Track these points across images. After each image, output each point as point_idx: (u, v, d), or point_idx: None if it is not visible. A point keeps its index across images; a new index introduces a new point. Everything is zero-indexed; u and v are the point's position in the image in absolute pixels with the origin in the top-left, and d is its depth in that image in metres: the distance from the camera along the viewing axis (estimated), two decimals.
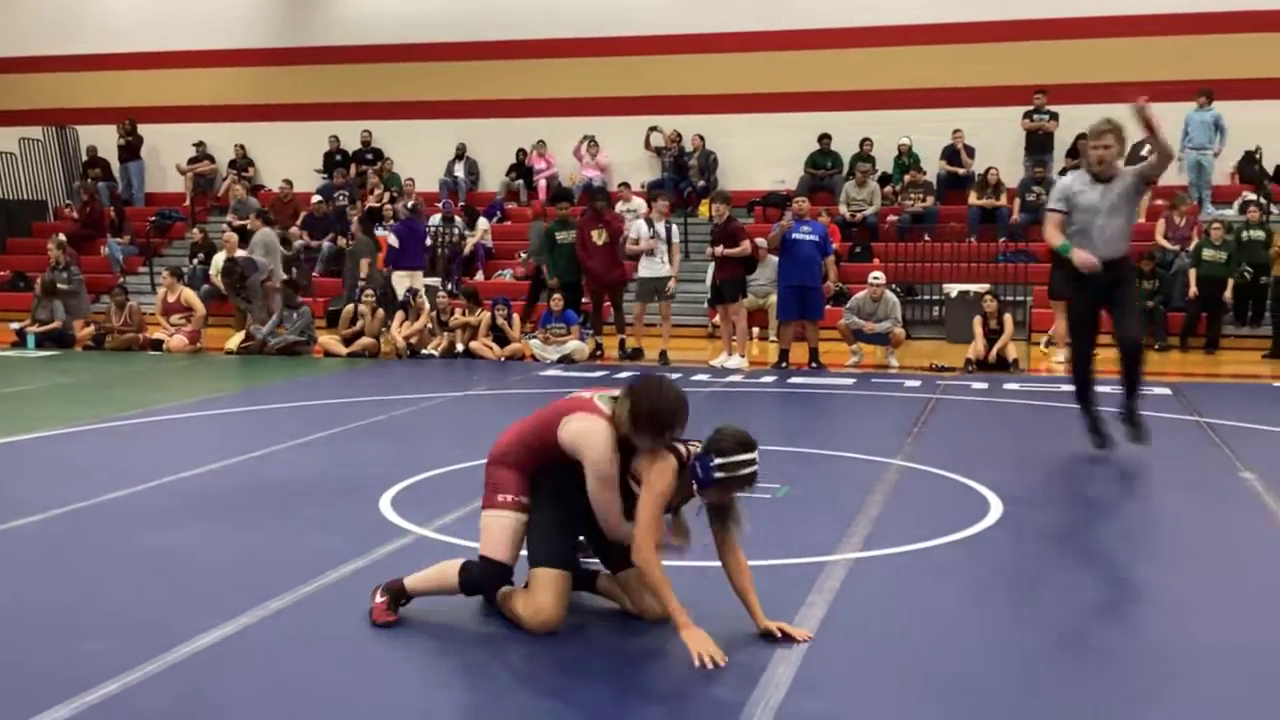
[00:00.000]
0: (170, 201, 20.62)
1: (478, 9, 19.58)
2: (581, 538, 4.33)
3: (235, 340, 14.17)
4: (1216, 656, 4.04)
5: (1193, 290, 13.93)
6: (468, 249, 17.35)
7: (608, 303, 13.56)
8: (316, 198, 18.36)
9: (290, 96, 20.50)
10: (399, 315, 13.70)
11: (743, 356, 12.56)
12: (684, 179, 18.38)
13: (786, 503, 6.12)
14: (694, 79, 18.84)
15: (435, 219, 17.35)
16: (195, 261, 17.20)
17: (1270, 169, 16.83)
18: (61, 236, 16.64)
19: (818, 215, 13.15)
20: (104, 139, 20.99)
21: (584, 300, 14.20)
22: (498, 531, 4.16)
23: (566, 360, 12.81)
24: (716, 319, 15.45)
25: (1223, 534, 5.71)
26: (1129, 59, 17.12)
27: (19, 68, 21.63)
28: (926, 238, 16.77)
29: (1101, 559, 5.22)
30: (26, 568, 5.05)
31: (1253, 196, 15.82)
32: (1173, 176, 16.85)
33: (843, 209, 17.27)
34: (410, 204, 16.79)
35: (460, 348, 13.33)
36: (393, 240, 15.28)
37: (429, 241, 16.11)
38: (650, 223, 13.10)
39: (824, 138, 18.33)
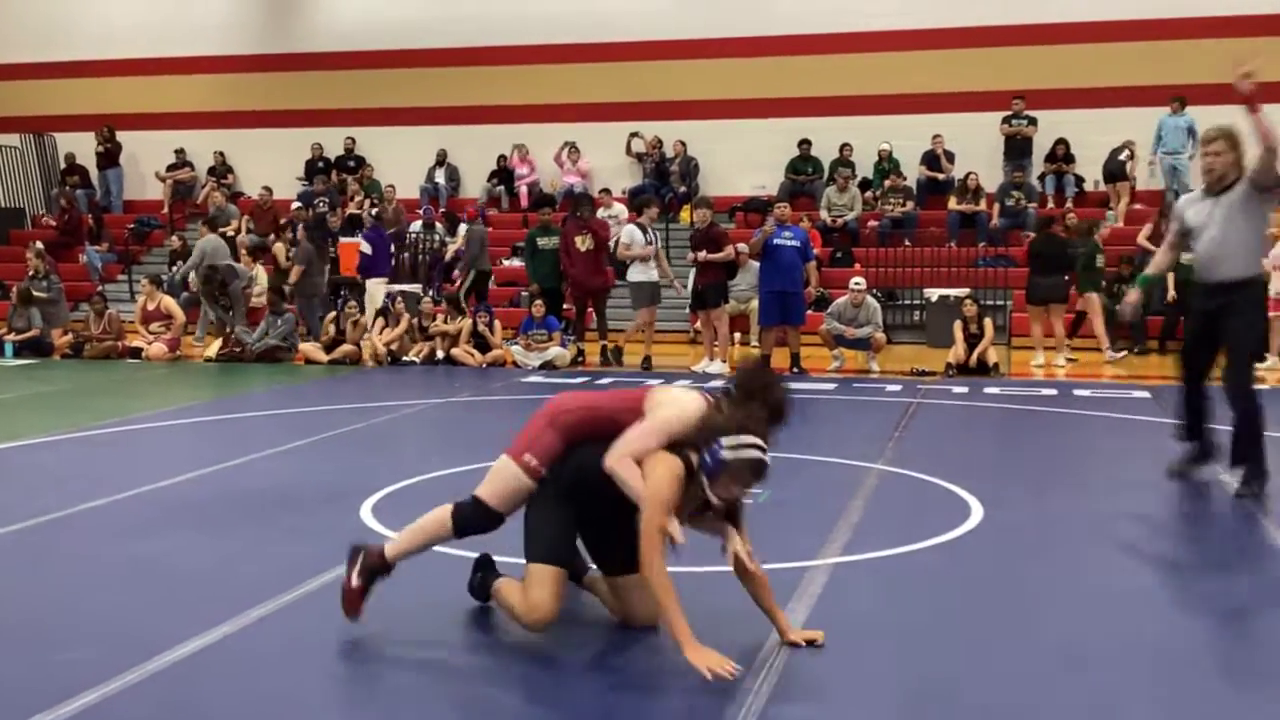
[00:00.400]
0: (149, 209, 20.52)
1: (458, 15, 19.56)
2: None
3: (214, 348, 14.12)
4: (1198, 659, 4.06)
5: (1171, 294, 14.00)
6: (449, 255, 17.29)
7: (590, 309, 13.55)
8: (296, 205, 18.30)
9: (270, 103, 20.43)
10: (379, 322, 13.67)
11: (724, 362, 12.57)
12: (665, 185, 18.40)
13: (768, 508, 6.11)
14: (675, 85, 18.86)
15: (416, 225, 17.31)
16: (174, 269, 17.12)
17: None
18: (39, 245, 16.53)
19: (798, 221, 13.17)
20: (82, 146, 20.89)
21: (565, 307, 14.19)
22: (504, 483, 4.14)
23: (548, 366, 12.80)
24: (698, 324, 15.46)
25: (1203, 536, 5.74)
26: (1106, 64, 17.25)
27: None
28: (907, 243, 16.83)
29: (1082, 563, 5.24)
30: (3, 577, 5.01)
31: None
32: (1148, 182, 17.02)
33: (824, 214, 17.31)
34: (375, 211, 16.74)
35: (441, 354, 13.30)
36: (365, 248, 15.26)
37: (394, 248, 16.08)
38: (644, 228, 13.10)
39: (804, 143, 18.37)
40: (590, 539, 4.25)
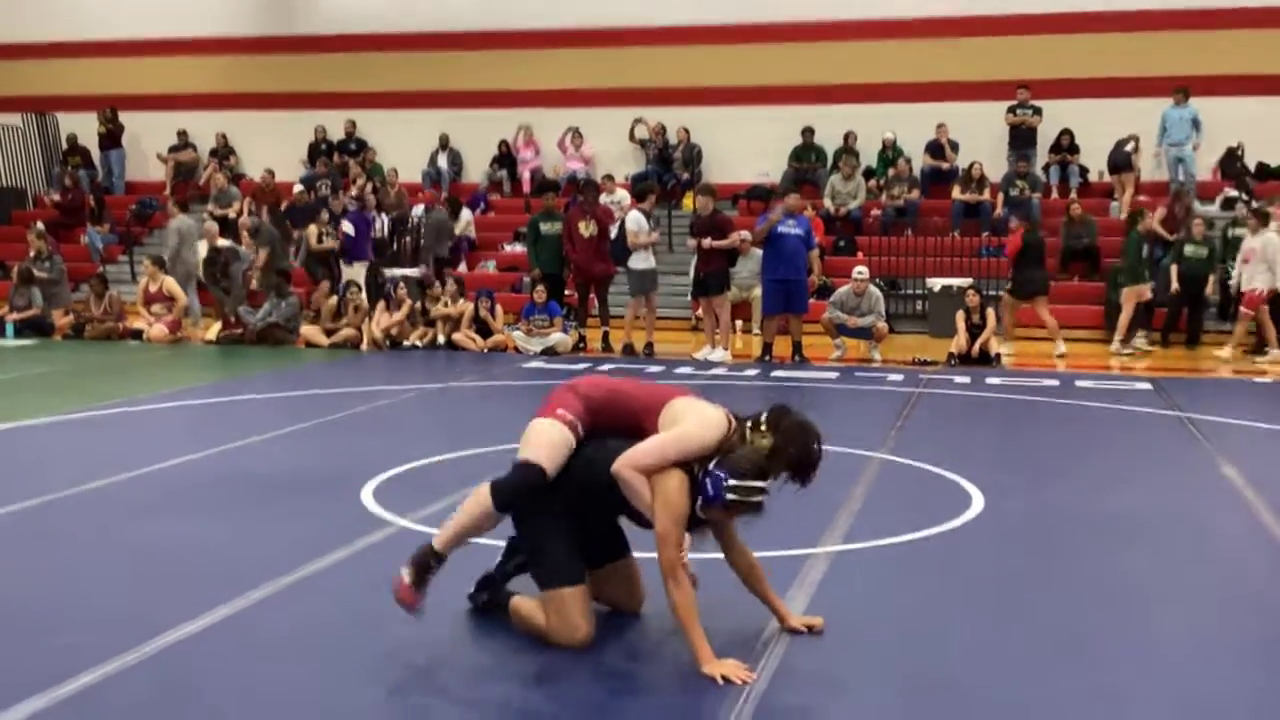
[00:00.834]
0: (151, 190, 20.47)
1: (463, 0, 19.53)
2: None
3: (215, 330, 14.10)
4: (1195, 648, 4.06)
5: (1174, 286, 13.97)
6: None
7: (592, 295, 13.53)
8: (298, 187, 18.26)
9: (272, 86, 20.36)
10: (379, 306, 13.65)
11: (725, 349, 12.55)
12: (668, 171, 18.35)
13: (768, 495, 6.11)
14: (679, 71, 18.79)
15: (418, 210, 17.26)
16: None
17: (1251, 165, 16.90)
18: (40, 225, 16.51)
19: (804, 209, 13.13)
20: (85, 127, 20.81)
21: (567, 292, 14.16)
22: (547, 436, 3.96)
23: (549, 352, 12.78)
24: (699, 311, 15.43)
25: (1204, 528, 5.73)
26: (1112, 55, 17.19)
27: None
28: (910, 232, 16.78)
29: (1082, 553, 5.23)
30: (3, 559, 5.00)
31: (1234, 193, 15.89)
32: (1153, 173, 16.98)
33: (828, 202, 17.26)
34: (355, 194, 16.72)
35: (442, 339, 13.28)
36: (348, 228, 15.28)
37: (394, 232, 16.09)
38: (647, 215, 13.06)
39: (808, 131, 18.31)
40: (577, 534, 4.12)
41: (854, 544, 5.24)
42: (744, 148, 18.52)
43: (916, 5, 17.98)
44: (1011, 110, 17.52)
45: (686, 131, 18.62)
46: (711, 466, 3.79)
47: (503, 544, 4.35)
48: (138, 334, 14.18)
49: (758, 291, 13.70)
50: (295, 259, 15.93)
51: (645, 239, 12.88)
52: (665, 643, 3.98)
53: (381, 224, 16.55)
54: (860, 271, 12.89)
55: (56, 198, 19.83)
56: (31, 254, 15.41)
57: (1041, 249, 13.54)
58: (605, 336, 13.24)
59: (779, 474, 3.88)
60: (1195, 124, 16.00)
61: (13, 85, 21.11)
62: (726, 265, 12.79)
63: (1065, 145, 17.50)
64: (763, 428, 3.91)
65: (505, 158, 19.58)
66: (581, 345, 13.24)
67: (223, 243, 15.20)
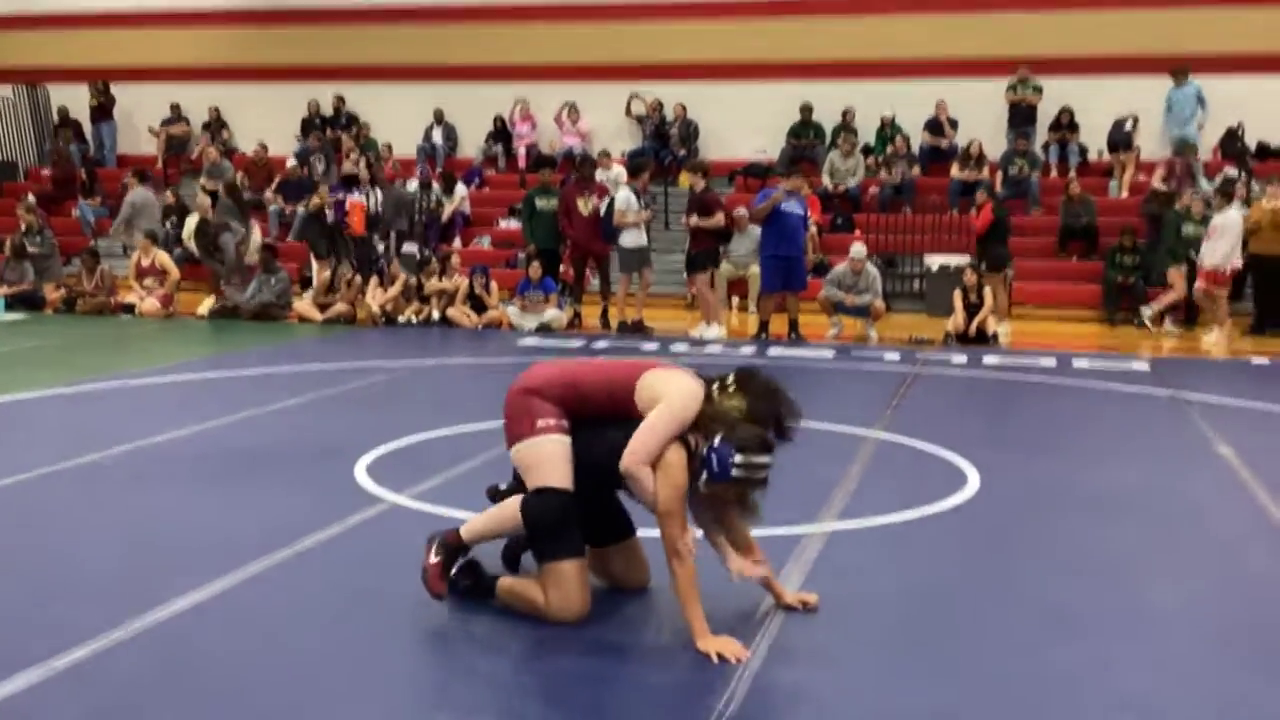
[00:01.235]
0: (143, 163, 20.31)
1: None
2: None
3: (208, 304, 14.03)
4: (1189, 625, 4.06)
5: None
6: (446, 216, 17.20)
7: (590, 272, 13.47)
8: (291, 161, 18.15)
9: (266, 59, 20.21)
10: (374, 282, 13.59)
11: (721, 325, 12.51)
12: (665, 148, 18.26)
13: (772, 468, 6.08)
14: (676, 46, 18.67)
15: (413, 184, 17.19)
16: (168, 225, 16.98)
17: (1251, 145, 16.83)
18: (31, 198, 16.40)
19: (802, 189, 13.06)
20: (76, 99, 20.67)
21: (563, 269, 14.10)
22: (551, 457, 3.90)
23: (544, 329, 12.72)
24: (693, 290, 15.40)
25: (1199, 507, 5.72)
26: (1112, 32, 17.09)
27: None
28: (908, 210, 16.72)
29: (1077, 531, 5.21)
30: None
31: (1234, 173, 15.82)
32: (1153, 152, 16.88)
33: (825, 180, 17.18)
34: (308, 169, 16.65)
35: (437, 315, 13.22)
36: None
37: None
38: (638, 193, 12.99)
39: (806, 108, 18.22)
40: (579, 511, 4.05)
41: (850, 522, 5.21)
42: (741, 124, 18.42)
43: None
44: (1011, 88, 17.44)
45: (683, 107, 18.52)
46: (716, 443, 3.75)
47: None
48: (130, 308, 14.11)
49: (755, 269, 13.64)
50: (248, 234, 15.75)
51: (633, 217, 12.80)
52: (664, 619, 3.95)
53: (375, 199, 16.48)
54: (858, 249, 12.84)
55: (49, 172, 19.70)
56: (22, 228, 15.31)
57: (1008, 225, 13.67)
58: (604, 313, 13.17)
59: (748, 434, 3.83)
60: (1200, 101, 15.91)
61: (3, 56, 20.95)
62: (713, 244, 12.73)
63: (1065, 123, 17.42)
64: (730, 389, 3.93)
65: (501, 132, 19.47)
66: (577, 322, 13.19)
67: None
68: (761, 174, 17.30)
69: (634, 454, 3.80)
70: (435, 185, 17.22)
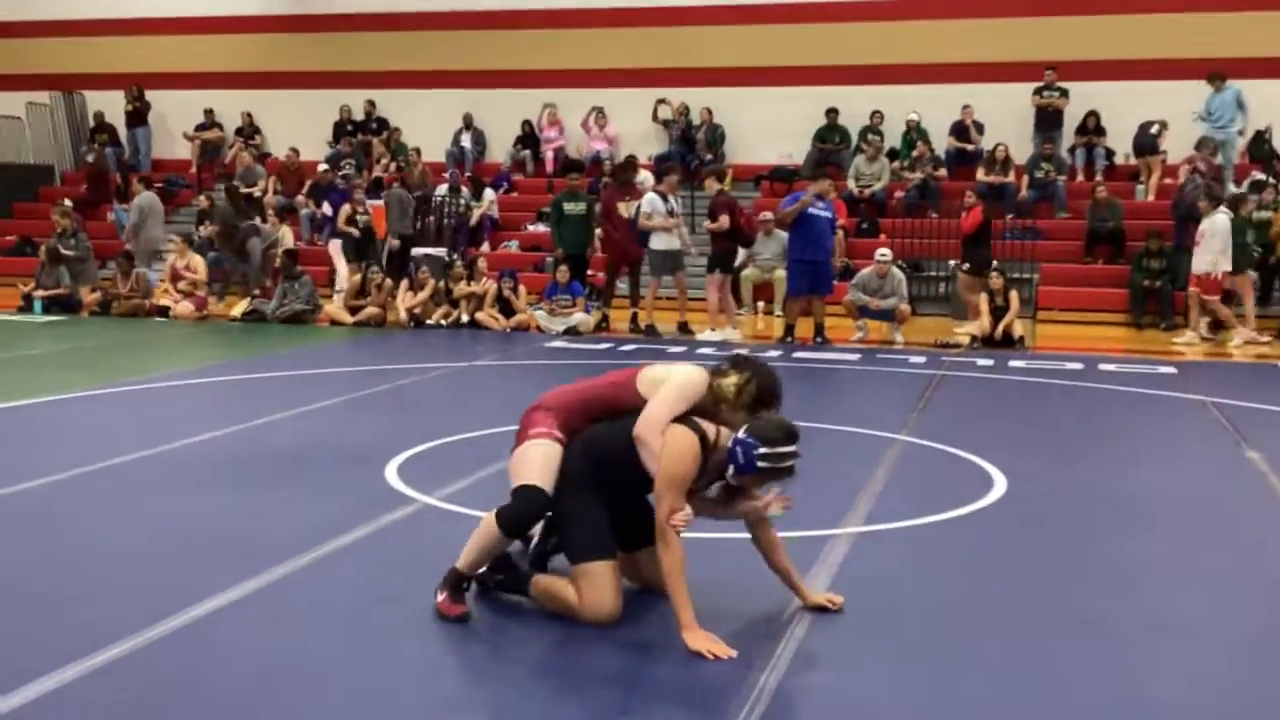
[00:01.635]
0: (177, 168, 20.57)
1: None
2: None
3: (240, 307, 14.18)
4: (1217, 631, 4.07)
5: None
6: (474, 220, 17.32)
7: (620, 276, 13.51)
8: (323, 166, 18.33)
9: (298, 64, 20.40)
10: (403, 285, 13.70)
11: (726, 328, 12.60)
12: (691, 152, 18.31)
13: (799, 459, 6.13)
14: (703, 51, 18.73)
15: (441, 189, 17.32)
16: (201, 229, 17.18)
17: (1279, 148, 16.73)
18: (67, 203, 16.62)
19: (829, 193, 13.09)
20: (111, 105, 20.91)
21: (589, 272, 14.17)
22: (531, 458, 4.03)
23: (572, 332, 12.80)
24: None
25: (1227, 512, 5.72)
26: (1139, 36, 17.03)
27: (27, 32, 21.55)
28: (933, 214, 16.69)
29: (1104, 536, 5.23)
30: (29, 532, 5.07)
31: (1261, 176, 15.73)
32: (1179, 156, 16.78)
33: (851, 184, 17.19)
34: (343, 173, 16.81)
35: (465, 318, 13.32)
36: (327, 209, 15.77)
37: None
38: (664, 197, 13.04)
39: (832, 112, 18.23)
40: (609, 513, 4.08)
41: (875, 525, 5.25)
42: (767, 128, 18.45)
43: None
44: (1038, 92, 17.39)
45: (710, 112, 18.56)
46: (740, 435, 3.80)
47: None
48: (164, 311, 14.28)
49: (780, 272, 13.69)
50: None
51: (657, 221, 12.87)
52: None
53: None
54: (883, 253, 12.86)
55: (89, 167, 19.95)
56: (57, 231, 15.52)
57: (990, 227, 13.95)
58: (634, 317, 13.22)
59: (748, 408, 3.97)
60: (1240, 105, 15.81)
61: (41, 63, 21.23)
62: (728, 246, 12.76)
63: (1091, 127, 17.37)
64: (725, 369, 4.05)
65: (529, 137, 19.58)
66: (604, 325, 13.24)
67: (247, 220, 15.32)
68: (787, 178, 17.34)
69: (644, 420, 3.92)
70: (464, 190, 17.34)
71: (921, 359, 11.24)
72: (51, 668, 3.49)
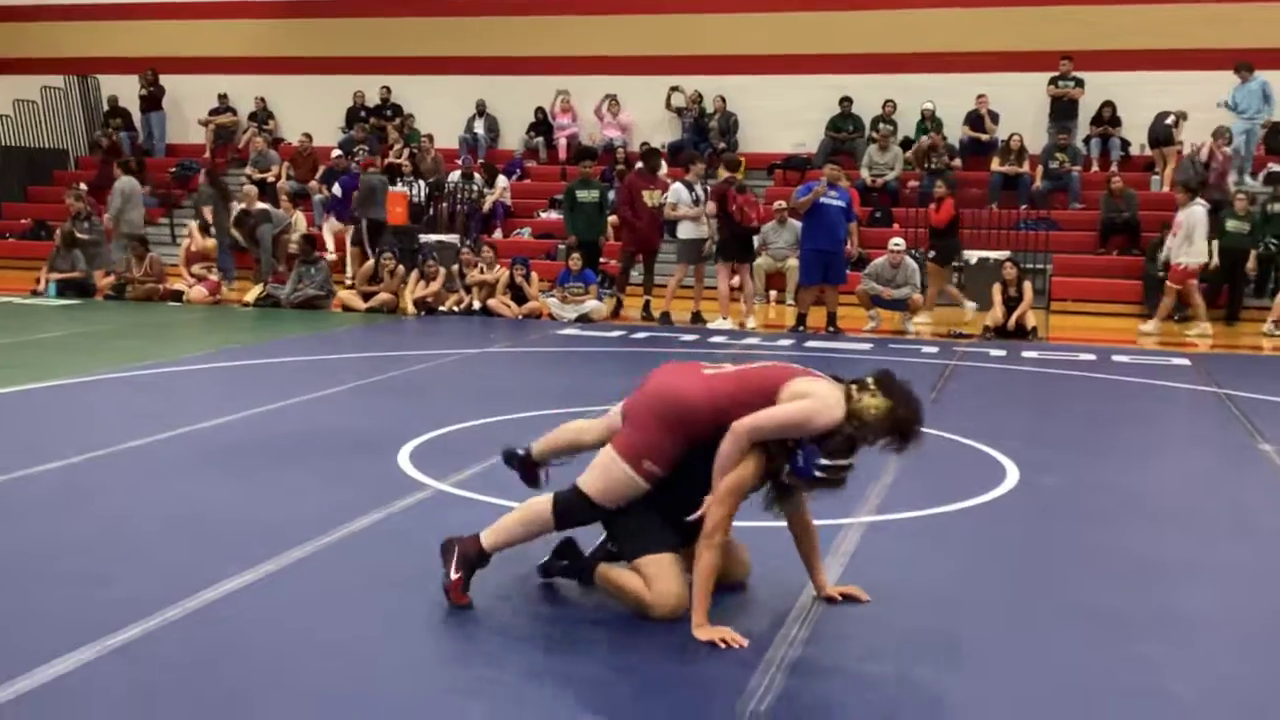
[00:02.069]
0: (191, 153, 20.61)
1: None
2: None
3: (254, 293, 14.22)
4: (1230, 624, 4.07)
5: (1214, 262, 13.82)
6: (486, 206, 17.34)
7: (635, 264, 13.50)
8: (336, 152, 18.34)
9: (311, 50, 20.43)
10: (414, 275, 13.71)
11: (729, 319, 12.63)
12: (704, 140, 18.28)
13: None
14: (716, 39, 18.70)
15: (454, 175, 17.34)
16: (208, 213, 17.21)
17: None
18: (82, 186, 16.67)
19: (839, 180, 13.05)
20: (126, 89, 20.97)
21: (602, 260, 14.17)
22: (616, 483, 3.88)
23: (584, 319, 12.81)
24: (735, 280, 15.45)
25: (1239, 504, 5.71)
26: (1154, 26, 16.96)
27: (42, 16, 21.61)
28: None
29: (1117, 528, 5.23)
30: (45, 514, 5.09)
31: (1278, 168, 15.67)
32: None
33: (864, 173, 17.15)
34: (356, 158, 16.89)
35: (478, 305, 13.33)
36: (337, 190, 16.06)
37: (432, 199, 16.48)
38: (690, 186, 13.01)
39: (846, 100, 18.18)
40: (667, 508, 3.99)
41: (887, 515, 5.25)
42: (781, 117, 18.41)
43: None
44: (1053, 82, 17.34)
45: (723, 100, 18.54)
46: (807, 441, 3.80)
47: None
48: (178, 295, 14.32)
49: (793, 261, 13.69)
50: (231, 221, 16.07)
51: (683, 210, 12.86)
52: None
53: (417, 190, 16.67)
54: (896, 243, 12.84)
55: (105, 158, 20.05)
56: (72, 215, 15.57)
57: (960, 220, 14.25)
58: (647, 305, 13.21)
59: (882, 436, 3.87)
60: (1266, 97, 15.71)
61: (55, 47, 21.28)
62: (727, 235, 12.59)
63: (1107, 118, 17.31)
64: (871, 387, 3.87)
65: (542, 124, 19.57)
66: (619, 312, 13.19)
67: (259, 206, 15.36)
68: (801, 167, 17.31)
69: (753, 420, 3.77)
70: (477, 176, 17.36)
71: (934, 349, 11.23)
72: (68, 649, 3.52)
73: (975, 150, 17.71)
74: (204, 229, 15.08)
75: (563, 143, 19.24)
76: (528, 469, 4.48)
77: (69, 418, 7.29)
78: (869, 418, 3.81)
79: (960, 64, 17.68)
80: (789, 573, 4.14)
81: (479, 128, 19.62)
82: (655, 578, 3.85)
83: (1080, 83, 17.24)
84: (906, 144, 17.81)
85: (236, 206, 15.56)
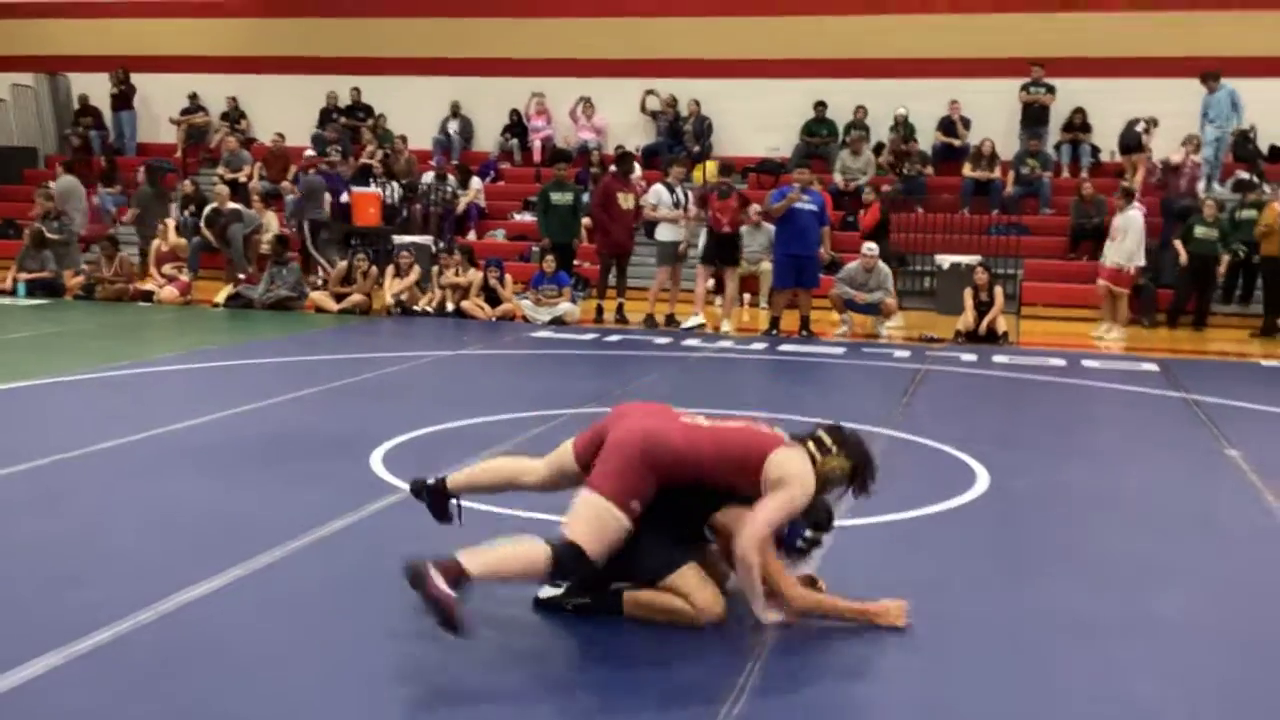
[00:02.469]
0: (162, 152, 20.45)
1: None
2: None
3: (224, 293, 14.14)
4: (1195, 627, 4.11)
5: (1183, 257, 13.94)
6: (460, 208, 17.30)
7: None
8: (309, 152, 18.27)
9: (283, 49, 20.33)
10: (389, 272, 13.68)
11: (698, 314, 12.76)
12: (679, 144, 18.31)
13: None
14: (691, 43, 18.74)
15: (428, 177, 17.30)
16: (186, 213, 17.12)
17: (1264, 148, 16.83)
18: (51, 185, 16.54)
19: (811, 184, 13.10)
20: (96, 87, 20.81)
21: (576, 262, 14.16)
22: (607, 531, 3.75)
23: (558, 322, 12.81)
24: (710, 284, 15.49)
25: (1207, 509, 5.77)
26: (1126, 33, 17.12)
27: (11, 13, 21.42)
28: (919, 209, 16.75)
29: (1085, 532, 5.28)
30: (14, 516, 5.05)
31: (1246, 175, 15.83)
32: (1164, 154, 16.85)
33: (837, 178, 17.22)
34: (326, 160, 16.90)
35: (451, 306, 13.31)
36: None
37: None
38: (671, 188, 13.04)
39: (820, 105, 18.26)
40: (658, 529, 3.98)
41: (858, 520, 5.26)
42: (755, 121, 18.48)
43: None
44: (1025, 88, 17.46)
45: (697, 103, 18.58)
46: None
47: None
48: (149, 295, 14.23)
49: (766, 265, 13.73)
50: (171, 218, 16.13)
51: (663, 211, 12.90)
52: (649, 638, 3.93)
53: (391, 191, 16.64)
54: (870, 247, 12.90)
55: (75, 150, 19.97)
56: (41, 215, 15.45)
57: (888, 223, 14.63)
58: (620, 308, 13.21)
59: (843, 490, 4.10)
60: (1234, 105, 15.86)
61: (25, 44, 21.11)
62: (710, 238, 12.83)
63: (1078, 124, 17.46)
64: (833, 449, 4.02)
65: (516, 126, 19.55)
66: (601, 317, 13.15)
67: (231, 206, 15.29)
68: (775, 171, 17.36)
69: (754, 539, 3.81)
70: (451, 178, 17.33)
71: (906, 353, 11.29)
72: (37, 653, 3.50)
73: (947, 156, 17.82)
74: (180, 229, 15.00)
75: (537, 145, 19.23)
76: (437, 500, 4.29)
77: (40, 419, 7.23)
78: (836, 480, 4.01)
79: (933, 70, 17.79)
80: None
81: (453, 129, 19.58)
82: (694, 592, 3.89)
83: (1052, 89, 17.37)
84: (879, 149, 17.90)
85: (248, 215, 15.56)
